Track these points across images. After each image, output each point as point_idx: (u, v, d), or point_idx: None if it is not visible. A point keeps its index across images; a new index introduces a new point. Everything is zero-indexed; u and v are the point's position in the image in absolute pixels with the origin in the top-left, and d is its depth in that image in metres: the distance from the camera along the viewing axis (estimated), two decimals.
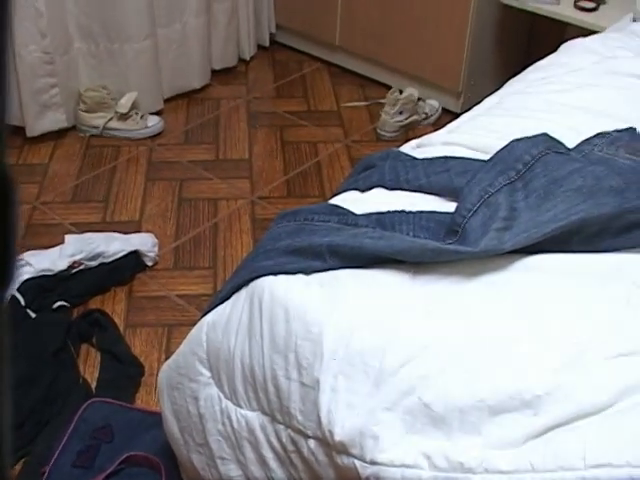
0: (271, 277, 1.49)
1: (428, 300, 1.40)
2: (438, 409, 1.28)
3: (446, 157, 1.77)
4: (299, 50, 4.03)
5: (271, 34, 4.03)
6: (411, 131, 3.34)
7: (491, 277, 1.44)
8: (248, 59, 3.91)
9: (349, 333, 1.37)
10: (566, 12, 3.24)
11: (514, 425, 1.25)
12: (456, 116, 2.25)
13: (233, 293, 1.56)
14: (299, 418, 1.42)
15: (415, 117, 3.39)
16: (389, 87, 3.48)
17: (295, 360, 1.42)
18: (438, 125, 2.22)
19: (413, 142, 1.97)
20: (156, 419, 1.96)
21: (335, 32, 3.76)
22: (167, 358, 1.75)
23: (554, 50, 2.56)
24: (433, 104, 3.49)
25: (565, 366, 1.28)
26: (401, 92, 3.37)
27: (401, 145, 2.02)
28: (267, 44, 4.01)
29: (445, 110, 3.50)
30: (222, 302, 1.58)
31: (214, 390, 1.59)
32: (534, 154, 1.62)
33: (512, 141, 1.67)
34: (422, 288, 1.43)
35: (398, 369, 1.32)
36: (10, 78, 0.42)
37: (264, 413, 1.50)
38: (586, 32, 2.80)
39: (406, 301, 1.40)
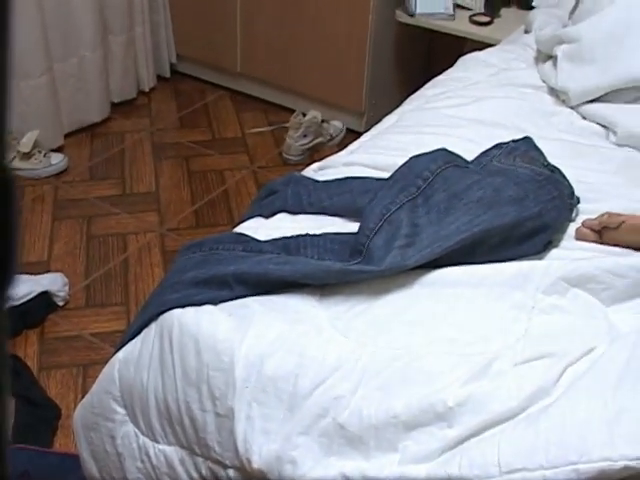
0: (179, 310, 1.48)
1: (336, 321, 1.41)
2: (353, 429, 1.29)
3: (348, 178, 1.78)
4: (201, 79, 4.02)
5: (172, 64, 4.01)
6: (317, 153, 3.36)
7: (397, 294, 1.46)
8: (147, 90, 3.88)
9: (260, 360, 1.37)
10: (461, 27, 3.30)
11: (429, 439, 1.27)
12: (361, 135, 2.28)
13: (142, 328, 1.54)
14: (217, 449, 1.41)
15: (320, 139, 3.41)
16: (293, 111, 3.49)
17: (208, 391, 1.41)
18: (343, 145, 2.24)
19: (315, 165, 1.99)
20: (75, 462, 1.93)
21: (236, 59, 3.77)
22: (84, 398, 1.73)
23: (453, 65, 2.61)
24: (337, 125, 3.51)
25: (475, 376, 1.30)
26: (304, 115, 3.39)
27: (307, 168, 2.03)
28: (168, 75, 4.00)
29: (350, 130, 3.53)
30: (132, 338, 1.56)
31: (130, 427, 1.57)
32: (433, 169, 1.64)
33: (411, 158, 1.70)
34: (329, 310, 1.44)
35: (311, 392, 1.32)
36: (12, 80, 0.42)
37: (182, 447, 1.49)
38: (483, 45, 2.86)
39: (315, 324, 1.41)
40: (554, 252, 1.66)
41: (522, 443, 1.21)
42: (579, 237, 1.70)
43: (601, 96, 2.23)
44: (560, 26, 2.47)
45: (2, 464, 0.48)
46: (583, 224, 1.71)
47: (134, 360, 1.54)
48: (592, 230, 1.69)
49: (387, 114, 2.33)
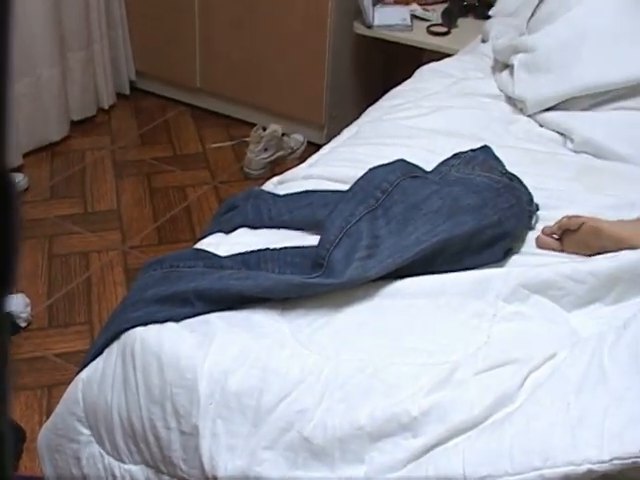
0: (141, 328, 1.48)
1: (298, 335, 1.41)
2: (318, 442, 1.29)
3: (308, 191, 1.79)
4: (161, 95, 4.00)
5: (131, 81, 3.99)
6: (278, 167, 3.35)
7: (359, 306, 1.46)
8: (107, 108, 3.86)
9: (223, 376, 1.37)
10: (419, 38, 3.32)
11: (395, 449, 1.27)
12: (321, 148, 2.28)
13: (105, 347, 1.54)
14: (182, 467, 1.41)
15: (281, 153, 3.41)
16: (254, 125, 3.49)
17: (172, 408, 1.40)
18: (304, 159, 2.24)
19: (275, 179, 1.99)
20: None
21: (195, 75, 3.77)
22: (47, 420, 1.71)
23: (412, 75, 2.62)
24: (298, 138, 3.52)
25: (438, 386, 1.30)
26: (265, 129, 3.39)
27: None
28: (128, 91, 3.98)
29: (310, 143, 3.53)
30: (95, 358, 1.55)
31: (95, 448, 1.56)
32: (392, 181, 1.65)
33: (370, 169, 1.70)
34: (292, 323, 1.44)
35: (275, 407, 1.32)
36: (12, 81, 0.42)
37: (148, 465, 1.48)
38: (441, 56, 2.88)
39: (277, 338, 1.41)
40: (514, 259, 1.67)
41: (487, 450, 1.22)
42: (540, 246, 1.71)
43: (557, 104, 2.25)
44: (517, 35, 2.50)
45: (2, 464, 0.48)
46: (543, 231, 1.72)
47: (97, 380, 1.53)
48: (553, 237, 1.70)
49: (347, 126, 2.34)
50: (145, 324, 1.48)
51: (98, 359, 1.55)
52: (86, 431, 1.57)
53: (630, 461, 1.17)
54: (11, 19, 0.40)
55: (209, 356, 1.39)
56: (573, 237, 1.67)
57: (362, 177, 1.69)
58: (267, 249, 1.58)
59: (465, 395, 1.30)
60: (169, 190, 3.33)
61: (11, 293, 0.45)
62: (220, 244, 1.69)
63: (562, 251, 1.68)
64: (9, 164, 0.41)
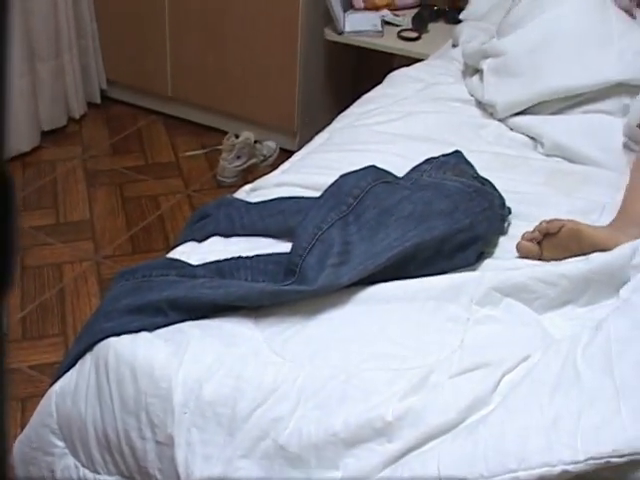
0: (114, 338, 1.47)
1: (272, 343, 1.41)
2: (294, 449, 1.29)
3: (280, 198, 1.79)
4: (132, 104, 3.98)
5: (102, 90, 3.97)
6: (251, 174, 3.34)
7: (332, 312, 1.46)
8: (78, 117, 3.84)
9: (198, 385, 1.37)
10: (390, 43, 3.32)
11: (370, 455, 1.27)
12: (293, 155, 2.28)
13: (78, 359, 1.53)
14: (158, 477, 1.40)
15: (254, 160, 3.41)
16: (226, 133, 3.48)
17: (147, 418, 1.40)
18: (277, 165, 2.23)
19: (247, 187, 1.99)
20: None
21: (167, 83, 3.75)
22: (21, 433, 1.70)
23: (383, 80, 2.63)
24: (271, 145, 3.51)
25: (412, 390, 1.31)
26: (237, 137, 3.39)
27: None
28: (99, 101, 3.95)
29: (283, 150, 3.52)
30: (68, 370, 1.54)
31: (70, 460, 1.55)
32: (363, 187, 1.65)
33: (341, 176, 1.70)
34: (265, 331, 1.44)
35: (250, 415, 1.32)
36: (11, 81, 0.41)
37: (123, 476, 1.47)
38: (412, 61, 2.88)
39: (251, 346, 1.41)
40: (487, 263, 1.68)
41: (462, 453, 1.22)
42: (521, 251, 1.71)
43: (528, 108, 2.26)
44: (487, 39, 2.50)
45: (2, 464, 0.47)
46: (523, 237, 1.72)
47: (71, 392, 1.52)
48: (533, 242, 1.70)
49: (320, 132, 2.34)
50: (118, 334, 1.47)
51: (71, 371, 1.54)
52: (60, 443, 1.56)
53: (604, 461, 1.18)
54: (10, 20, 0.40)
55: (183, 365, 1.39)
56: (553, 240, 1.67)
57: (333, 184, 1.69)
58: (240, 257, 1.58)
59: (440, 399, 1.30)
60: (142, 199, 3.32)
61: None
62: (193, 253, 1.68)
63: (540, 259, 1.68)
64: (8, 164, 0.41)
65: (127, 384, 1.42)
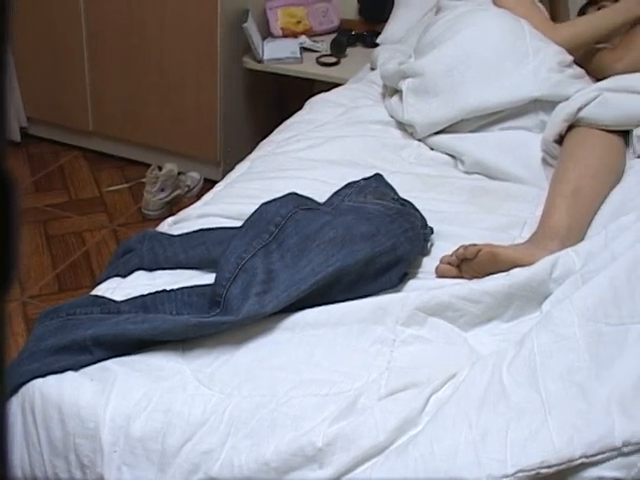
0: (40, 379, 1.45)
1: (200, 374, 1.40)
2: None
3: (202, 230, 1.78)
4: (54, 140, 3.94)
5: (22, 128, 3.93)
6: (176, 206, 3.32)
7: (258, 341, 1.46)
8: None
9: (126, 422, 1.35)
10: (309, 69, 3.35)
11: None
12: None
13: None
14: None
15: (178, 192, 3.40)
16: (149, 165, 3.47)
17: (76, 460, 1.38)
18: (201, 196, 2.23)
19: (170, 219, 1.98)
20: None
21: (88, 118, 3.72)
22: None
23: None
24: (194, 176, 3.50)
25: (341, 415, 1.31)
26: (161, 169, 3.37)
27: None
28: (19, 139, 3.91)
29: (207, 180, 3.51)
30: None
31: None
32: (284, 214, 1.65)
33: (262, 204, 1.71)
34: (193, 363, 1.43)
35: (180, 449, 1.31)
36: (11, 80, 0.40)
37: None
38: (332, 85, 2.90)
39: (179, 379, 1.40)
40: (410, 284, 1.69)
41: (393, 475, 1.23)
42: (440, 274, 1.73)
43: (447, 127, 2.29)
44: (405, 60, 2.53)
45: (2, 464, 0.46)
46: (441, 260, 1.74)
47: None
48: (451, 265, 1.72)
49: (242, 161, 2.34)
50: (44, 375, 1.45)
51: None
52: None
53: (533, 472, 1.20)
54: (10, 19, 0.40)
55: (110, 403, 1.37)
56: (471, 264, 1.69)
57: (255, 212, 1.69)
58: (164, 290, 1.57)
59: (369, 421, 1.30)
60: (66, 236, 3.28)
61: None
62: (117, 288, 1.67)
63: (461, 277, 1.70)
64: (8, 164, 0.41)
65: (54, 426, 1.40)
